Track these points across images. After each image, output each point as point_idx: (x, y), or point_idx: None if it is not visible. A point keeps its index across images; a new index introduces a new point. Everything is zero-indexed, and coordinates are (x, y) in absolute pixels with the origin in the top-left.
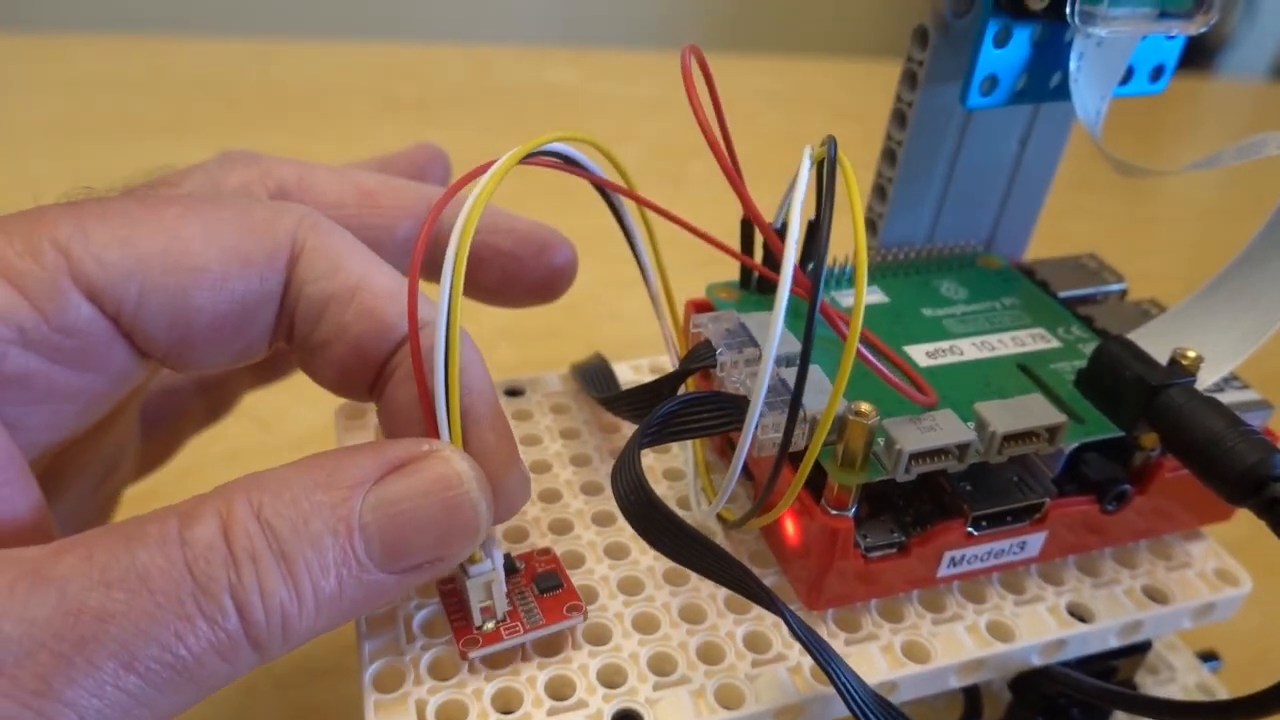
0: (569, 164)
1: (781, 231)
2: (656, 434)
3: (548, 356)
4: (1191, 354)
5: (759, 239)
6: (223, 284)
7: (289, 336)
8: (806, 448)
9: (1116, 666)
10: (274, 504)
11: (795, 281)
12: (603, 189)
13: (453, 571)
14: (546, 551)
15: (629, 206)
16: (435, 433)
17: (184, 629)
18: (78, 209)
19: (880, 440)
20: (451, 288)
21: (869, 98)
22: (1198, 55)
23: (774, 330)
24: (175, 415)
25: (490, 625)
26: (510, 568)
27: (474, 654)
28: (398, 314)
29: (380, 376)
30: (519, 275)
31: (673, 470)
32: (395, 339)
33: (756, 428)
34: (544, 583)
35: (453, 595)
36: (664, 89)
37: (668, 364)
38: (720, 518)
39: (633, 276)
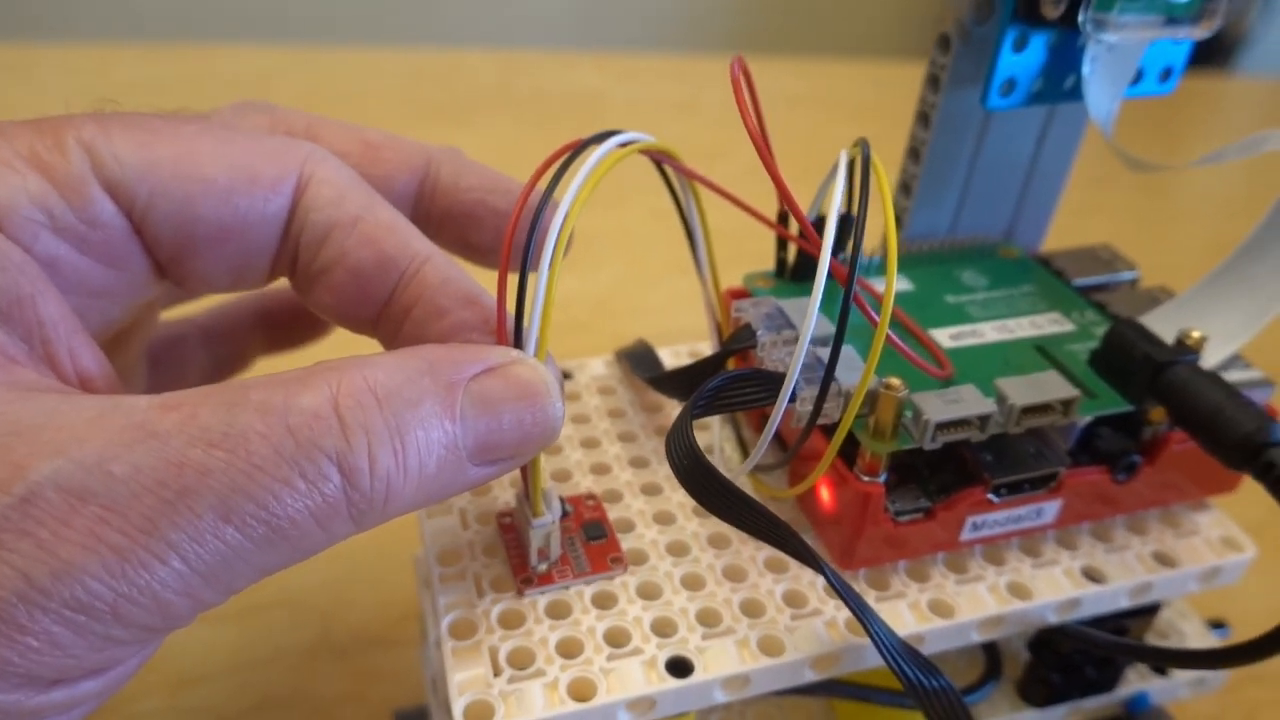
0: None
1: (816, 224)
2: (706, 406)
3: (575, 348)
4: (1196, 334)
5: (792, 231)
6: (227, 196)
7: (293, 269)
8: (840, 420)
9: (1127, 627)
10: (389, 382)
11: (831, 269)
12: (667, 172)
13: (517, 521)
14: (593, 497)
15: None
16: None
17: (280, 490)
18: (104, 116)
19: (909, 412)
20: (556, 244)
21: (887, 99)
22: (1218, 53)
23: (811, 309)
24: (179, 365)
25: (544, 567)
26: (561, 512)
27: (529, 592)
28: (397, 245)
29: (386, 311)
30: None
31: (707, 447)
32: (396, 271)
33: (791, 399)
34: (591, 531)
35: (511, 530)
36: (686, 92)
37: (704, 349)
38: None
39: (655, 274)
